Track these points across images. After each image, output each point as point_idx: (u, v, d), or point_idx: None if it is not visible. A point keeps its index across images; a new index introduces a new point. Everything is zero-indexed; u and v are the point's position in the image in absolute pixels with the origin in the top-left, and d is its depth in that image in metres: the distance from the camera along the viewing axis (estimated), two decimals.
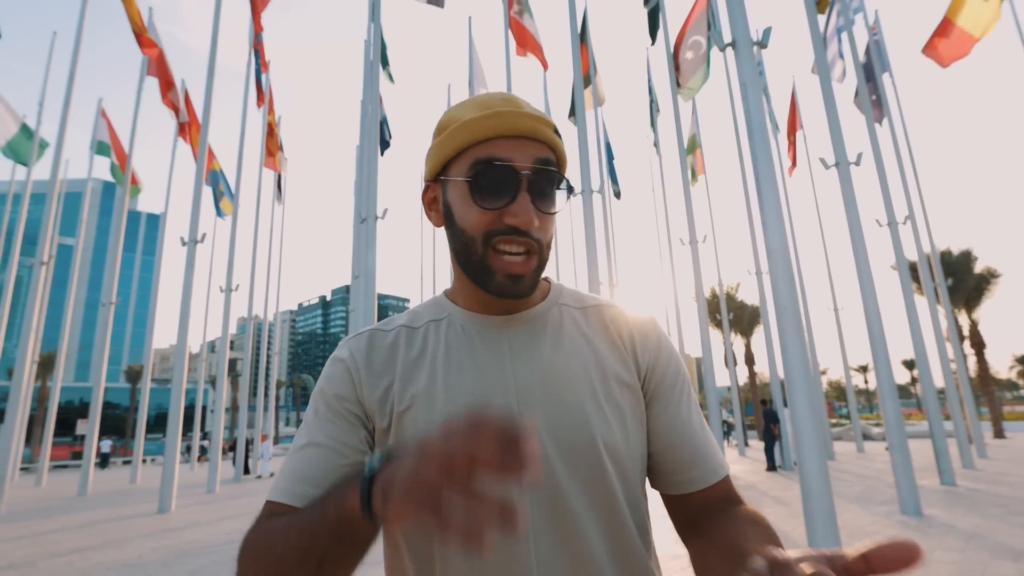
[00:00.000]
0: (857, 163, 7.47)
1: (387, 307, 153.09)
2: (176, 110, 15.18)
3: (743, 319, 34.70)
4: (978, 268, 26.47)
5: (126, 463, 37.54)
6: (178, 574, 5.49)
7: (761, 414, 14.48)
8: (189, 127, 15.76)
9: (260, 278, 19.24)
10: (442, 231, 0.78)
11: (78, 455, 39.39)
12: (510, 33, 13.33)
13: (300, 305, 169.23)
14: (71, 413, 44.17)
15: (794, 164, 18.48)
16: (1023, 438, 23.06)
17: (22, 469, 29.08)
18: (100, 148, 17.68)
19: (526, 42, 13.73)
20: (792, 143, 18.89)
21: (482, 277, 0.71)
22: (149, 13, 15.15)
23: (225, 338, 14.32)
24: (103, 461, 31.49)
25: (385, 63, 12.44)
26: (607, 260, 17.05)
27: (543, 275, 0.82)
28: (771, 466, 13.30)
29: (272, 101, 17.35)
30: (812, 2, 7.29)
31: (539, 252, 0.71)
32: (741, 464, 15.48)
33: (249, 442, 19.68)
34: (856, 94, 14.73)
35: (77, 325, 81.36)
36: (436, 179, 0.76)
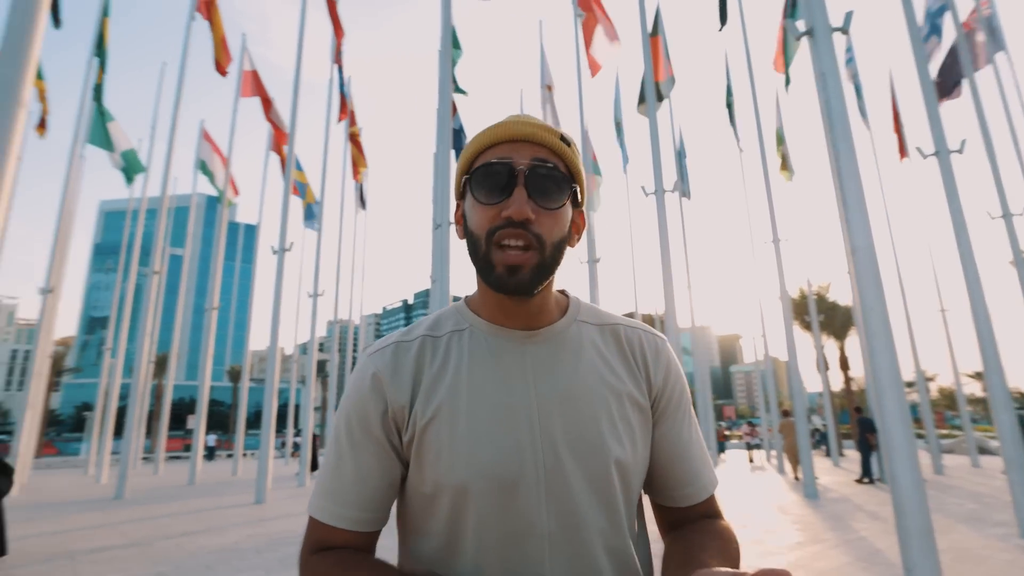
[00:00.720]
0: (960, 151, 6.82)
1: None
2: (276, 126, 16.31)
3: (835, 321, 32.41)
4: None
5: (229, 456, 40.60)
6: (269, 560, 5.90)
7: (856, 423, 13.49)
8: (279, 142, 16.88)
9: (345, 283, 20.25)
10: None
11: (189, 447, 43.24)
12: (580, 35, 13.27)
13: (384, 309, 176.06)
14: (182, 409, 48.51)
15: (902, 155, 17.10)
16: None
17: (143, 459, 32.21)
18: (203, 167, 19.31)
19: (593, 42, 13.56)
20: (898, 131, 17.50)
21: (486, 273, 0.73)
22: (242, 38, 16.40)
23: (312, 341, 15.19)
24: (209, 454, 34.29)
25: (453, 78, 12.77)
26: (684, 262, 16.55)
27: (561, 289, 0.87)
28: (867, 478, 12.36)
29: (354, 114, 18.23)
30: None
31: (540, 248, 0.72)
32: (834, 475, 14.48)
33: (316, 438, 20.05)
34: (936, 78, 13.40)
35: (187, 328, 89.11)
36: (461, 196, 0.80)
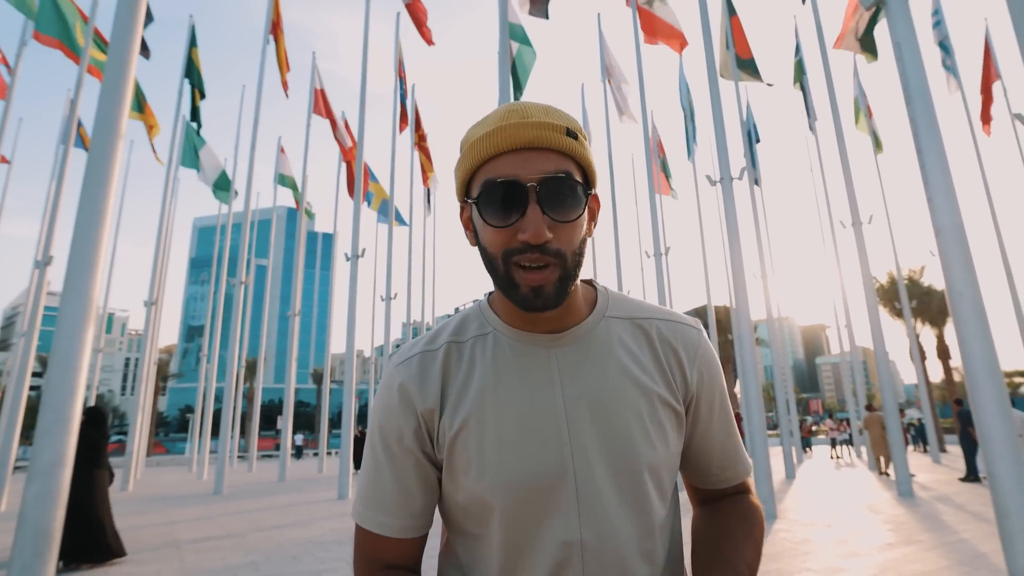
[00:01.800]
0: None
1: None
2: (340, 144, 17.12)
3: (931, 307, 29.81)
4: None
5: (315, 454, 42.81)
6: (350, 552, 6.21)
7: (956, 415, 12.45)
8: (350, 153, 17.66)
9: (416, 286, 20.83)
10: None
11: (279, 447, 46.03)
12: (639, 24, 13.03)
13: (456, 309, 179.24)
14: (272, 410, 51.66)
15: (987, 125, 15.64)
16: None
17: (239, 457, 34.63)
18: (282, 180, 20.51)
19: (655, 30, 13.30)
20: (988, 97, 16.00)
21: (508, 292, 0.70)
22: (312, 56, 17.27)
23: (386, 343, 15.78)
24: (297, 452, 36.30)
25: (516, 84, 12.85)
26: (757, 250, 15.88)
27: (588, 279, 0.83)
28: (971, 475, 11.37)
29: (420, 120, 18.77)
30: None
31: (561, 264, 0.68)
32: (934, 473, 13.42)
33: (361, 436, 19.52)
34: None
35: (273, 334, 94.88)
36: (465, 202, 0.75)
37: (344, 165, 18.96)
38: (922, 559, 5.30)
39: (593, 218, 0.77)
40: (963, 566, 5.03)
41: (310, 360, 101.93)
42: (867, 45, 12.34)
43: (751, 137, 15.39)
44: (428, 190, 21.35)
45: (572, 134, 0.70)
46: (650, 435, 0.73)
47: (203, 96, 14.72)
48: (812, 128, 16.35)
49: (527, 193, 0.66)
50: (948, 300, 4.22)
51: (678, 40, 13.22)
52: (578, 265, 0.71)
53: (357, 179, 12.09)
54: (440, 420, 0.75)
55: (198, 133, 15.71)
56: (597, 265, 19.68)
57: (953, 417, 17.23)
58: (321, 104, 16.07)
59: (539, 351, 0.75)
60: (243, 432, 43.03)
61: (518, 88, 11.30)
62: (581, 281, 0.81)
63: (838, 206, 40.60)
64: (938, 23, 15.21)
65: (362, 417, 41.26)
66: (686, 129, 17.34)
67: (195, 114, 14.87)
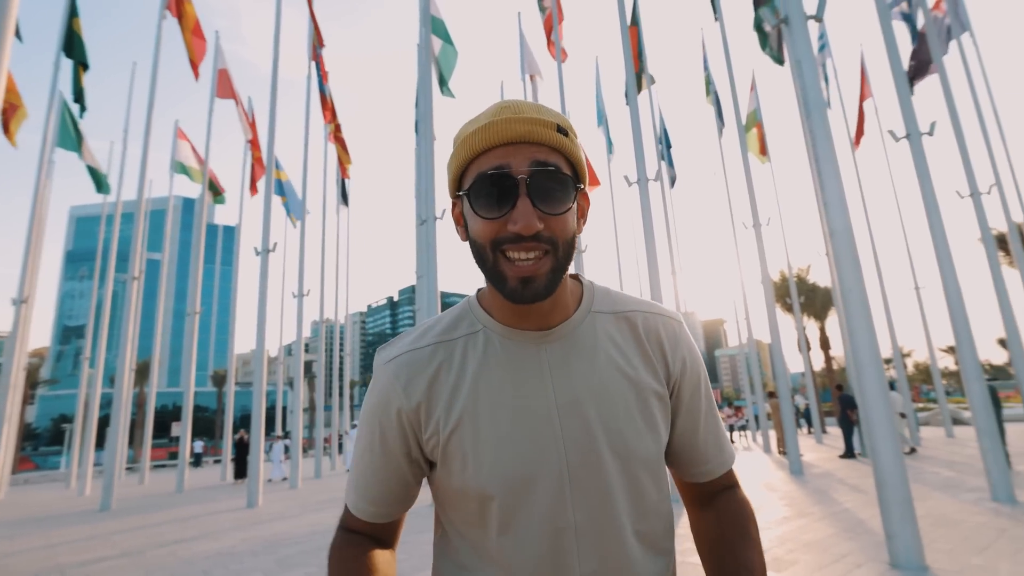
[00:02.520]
0: (930, 133, 7.03)
1: (450, 304, 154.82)
2: (251, 125, 16.11)
3: (816, 302, 33.03)
4: None
5: (216, 462, 40.17)
6: (267, 562, 5.92)
7: (838, 400, 13.85)
8: (257, 142, 16.68)
9: (330, 282, 20.09)
10: None
11: (175, 455, 42.65)
12: (557, 27, 13.30)
13: (369, 306, 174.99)
14: (166, 416, 47.79)
15: (859, 139, 17.45)
16: None
17: (127, 469, 31.75)
18: (180, 168, 19.00)
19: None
20: (861, 114, 17.85)
21: (497, 283, 0.71)
22: (215, 36, 16.14)
23: (299, 341, 15.10)
24: (196, 460, 33.87)
25: (443, 81, 12.74)
26: (668, 248, 16.76)
27: (575, 274, 0.85)
28: (848, 453, 12.71)
29: (335, 111, 18.06)
30: None
31: (553, 252, 0.70)
32: (817, 452, 14.85)
33: (244, 440, 18.38)
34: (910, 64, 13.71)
35: (167, 334, 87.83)
36: (457, 195, 0.76)
37: (251, 154, 17.88)
38: (813, 529, 5.88)
39: (583, 215, 0.79)
40: (847, 532, 5.64)
41: (209, 362, 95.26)
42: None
43: (665, 142, 16.22)
44: (343, 183, 20.64)
45: (562, 131, 0.72)
46: (639, 426, 0.76)
47: (86, 68, 13.30)
48: (721, 135, 17.52)
49: (518, 185, 0.68)
50: (838, 295, 4.69)
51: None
52: (568, 258, 0.72)
53: (268, 168, 11.46)
54: (429, 418, 0.76)
55: (81, 115, 14.18)
56: None
57: (833, 401, 19.11)
58: (227, 86, 15.04)
59: (529, 348, 0.77)
60: (131, 442, 39.56)
61: (443, 84, 11.22)
62: (568, 276, 0.82)
63: (740, 209, 43.63)
64: (823, 47, 16.77)
65: (269, 420, 39.13)
66: (604, 132, 17.97)
67: (79, 95, 13.41)
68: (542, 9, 12.45)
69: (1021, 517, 5.81)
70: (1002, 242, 16.88)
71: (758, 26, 11.78)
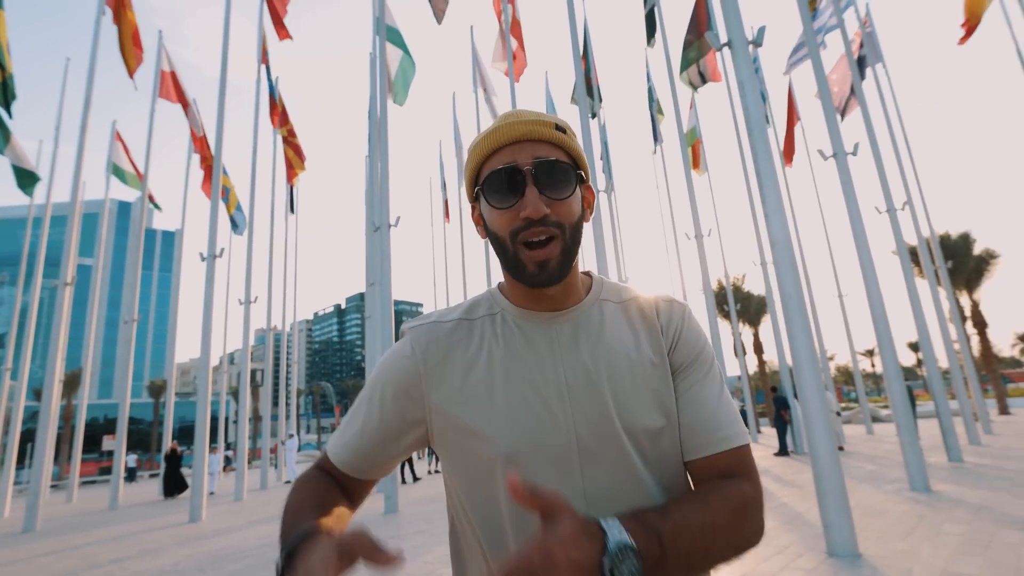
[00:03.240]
0: (854, 153, 7.50)
1: (401, 312, 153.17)
2: (193, 129, 15.37)
3: (750, 309, 34.57)
4: (977, 250, 26.32)
5: (152, 476, 37.88)
6: None
7: (772, 401, 14.49)
8: (203, 144, 15.96)
9: (277, 289, 19.42)
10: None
11: (105, 471, 39.84)
12: (511, 40, 13.42)
13: (316, 314, 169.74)
14: (96, 430, 44.63)
15: (790, 156, 18.45)
16: None
17: (52, 486, 29.45)
18: (116, 171, 17.93)
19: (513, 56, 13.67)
20: (790, 136, 18.87)
21: (517, 272, 0.77)
22: (159, 35, 15.39)
23: (246, 350, 14.48)
24: (130, 475, 31.80)
25: (396, 89, 12.64)
26: (615, 257, 17.13)
27: (587, 271, 0.91)
28: (783, 451, 13.30)
29: (286, 115, 17.52)
30: (805, 4, 7.35)
31: (562, 236, 0.76)
32: (754, 451, 15.42)
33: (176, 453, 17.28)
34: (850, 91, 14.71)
35: (99, 343, 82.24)
36: (475, 199, 0.83)
37: (196, 158, 17.07)
38: None
39: (589, 206, 0.85)
40: (787, 524, 5.89)
41: (145, 372, 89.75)
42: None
43: (606, 155, 16.62)
44: (292, 189, 20.02)
45: (561, 129, 0.80)
46: (645, 400, 0.79)
47: (2, 68, 12.33)
48: (656, 151, 18.14)
49: (524, 176, 0.76)
50: (778, 300, 4.93)
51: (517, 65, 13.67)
52: (577, 242, 0.79)
53: (216, 172, 10.98)
54: (440, 385, 0.81)
55: (7, 110, 13.15)
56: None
57: (767, 403, 19.96)
58: (171, 88, 14.32)
59: (541, 327, 0.82)
60: (56, 457, 36.76)
61: (404, 91, 11.11)
62: (580, 272, 0.89)
63: (682, 220, 45.10)
64: (756, 70, 17.65)
65: (211, 431, 37.34)
66: None
67: (2, 89, 12.41)
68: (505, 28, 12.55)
69: (936, 504, 6.24)
70: (914, 255, 18.18)
71: (686, 56, 12.36)
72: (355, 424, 0.85)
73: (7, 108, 12.80)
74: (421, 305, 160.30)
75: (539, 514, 0.60)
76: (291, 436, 19.55)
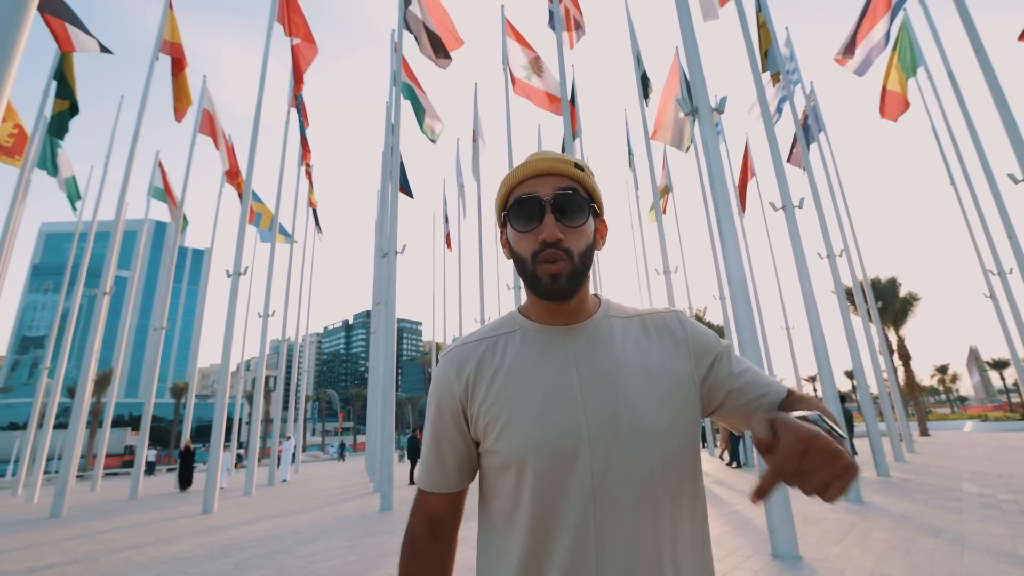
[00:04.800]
0: (800, 206, 7.70)
1: (403, 330, 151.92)
2: (233, 165, 15.40)
3: None
4: (902, 293, 26.90)
5: (170, 471, 36.74)
6: (224, 565, 5.43)
7: None
8: (234, 175, 15.97)
9: (292, 305, 19.25)
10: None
11: (127, 463, 38.53)
12: (510, 94, 13.61)
13: (325, 328, 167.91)
14: (121, 426, 43.35)
15: (744, 206, 18.86)
16: (945, 436, 23.04)
17: (78, 476, 28.41)
18: (156, 193, 17.86)
19: (538, 100, 13.59)
20: (743, 189, 19.29)
21: (534, 286, 0.80)
22: (203, 80, 15.52)
23: (262, 358, 14.26)
24: (149, 469, 30.76)
25: (421, 122, 12.89)
26: (593, 287, 17.22)
27: (595, 293, 0.91)
28: (735, 463, 13.24)
29: (308, 151, 17.62)
30: (760, 77, 7.62)
31: (571, 259, 0.78)
32: (710, 463, 15.38)
33: (189, 450, 16.74)
34: (792, 149, 15.19)
35: (128, 347, 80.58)
36: (503, 224, 0.85)
37: (227, 186, 17.07)
38: (710, 527, 6.06)
39: (602, 237, 0.88)
40: (738, 529, 5.85)
41: (168, 375, 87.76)
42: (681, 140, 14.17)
43: None
44: (315, 212, 20.01)
45: (580, 167, 0.83)
46: (653, 402, 0.78)
47: (75, 111, 12.35)
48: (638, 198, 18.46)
49: (544, 205, 0.79)
50: (733, 330, 4.99)
51: (555, 104, 13.77)
52: (587, 266, 0.81)
53: (245, 197, 10.99)
54: (475, 395, 0.83)
55: (59, 141, 13.10)
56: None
57: None
58: (207, 124, 14.39)
59: (557, 340, 0.83)
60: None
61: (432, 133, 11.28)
62: (591, 294, 0.90)
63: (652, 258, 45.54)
64: (719, 132, 18.15)
65: (226, 431, 36.42)
66: None
67: (58, 124, 12.36)
68: (532, 68, 12.67)
69: (867, 514, 6.24)
70: (849, 295, 18.50)
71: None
72: (430, 450, 0.86)
73: (62, 135, 12.77)
74: (421, 324, 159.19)
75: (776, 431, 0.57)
76: (288, 438, 18.98)
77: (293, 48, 12.90)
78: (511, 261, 0.84)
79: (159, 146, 19.67)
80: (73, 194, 15.83)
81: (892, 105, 13.34)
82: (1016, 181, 8.23)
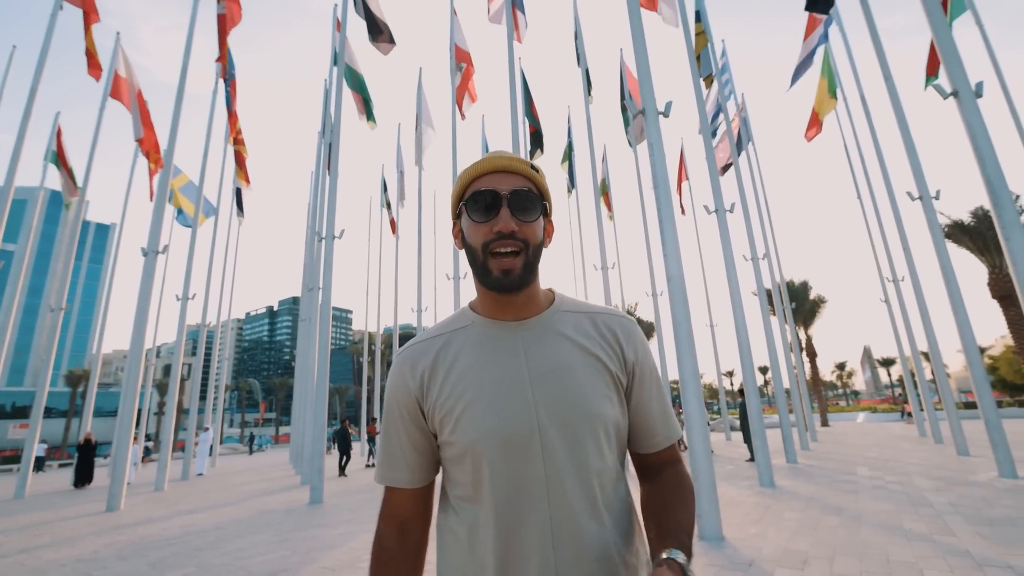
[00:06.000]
0: (731, 211, 8.22)
1: (332, 318, 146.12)
2: (150, 133, 14.02)
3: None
4: (812, 295, 29.60)
5: (63, 466, 33.34)
6: (138, 566, 5.03)
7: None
8: (151, 145, 14.60)
9: (214, 288, 18.02)
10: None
11: (7, 459, 34.52)
12: (455, 84, 13.47)
13: (247, 314, 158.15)
14: (2, 417, 38.71)
15: (683, 211, 19.80)
16: (842, 426, 25.77)
17: None
18: (54, 159, 15.97)
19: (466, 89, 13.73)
20: (680, 192, 20.26)
21: (484, 277, 0.83)
22: (116, 37, 14.05)
23: (180, 344, 13.25)
24: (38, 464, 27.72)
25: (370, 114, 12.46)
26: None
27: (549, 288, 0.95)
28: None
29: (236, 121, 16.43)
30: (700, 86, 8.04)
31: (526, 251, 0.82)
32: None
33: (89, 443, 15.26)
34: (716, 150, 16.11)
35: (15, 330, 71.78)
36: (457, 216, 0.89)
37: (141, 155, 15.55)
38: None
39: (548, 235, 0.91)
40: None
41: (63, 361, 79.17)
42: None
43: None
44: (239, 192, 18.75)
45: (535, 168, 0.88)
46: (601, 392, 0.84)
47: None
48: (571, 193, 18.85)
49: (501, 199, 0.82)
50: (669, 327, 5.26)
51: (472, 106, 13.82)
52: (537, 259, 0.85)
53: (165, 171, 10.11)
54: (430, 391, 0.86)
55: None
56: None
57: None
58: (123, 91, 13.04)
59: (508, 334, 0.87)
60: None
61: (369, 117, 10.86)
62: (545, 288, 0.94)
63: (589, 254, 46.75)
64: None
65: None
66: None
67: None
68: (458, 68, 12.55)
69: (779, 497, 6.84)
70: (769, 296, 20.01)
71: (625, 117, 13.21)
72: (389, 442, 0.89)
73: None
74: (351, 312, 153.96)
75: None
76: (206, 430, 17.86)
77: (219, 15, 11.96)
78: (463, 252, 0.88)
79: (63, 107, 17.60)
80: None
81: (813, 126, 14.57)
82: (913, 198, 9.25)
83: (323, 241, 9.91)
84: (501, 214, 0.81)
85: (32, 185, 28.76)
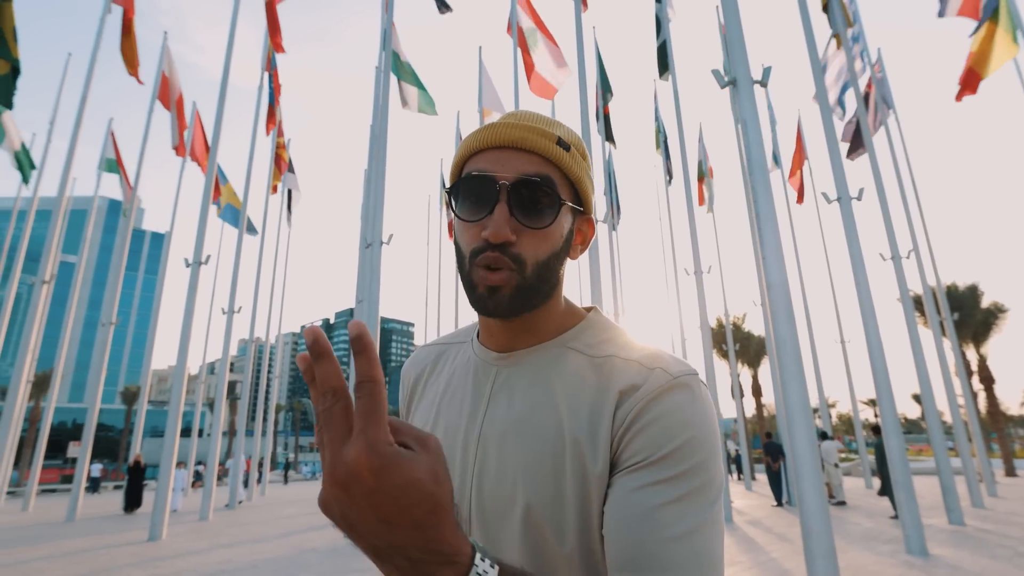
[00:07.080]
0: (859, 198, 7.59)
1: (391, 331, 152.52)
2: (182, 136, 15.49)
3: (750, 350, 34.55)
4: (986, 303, 26.52)
5: (117, 488, 37.15)
6: None
7: (764, 448, 14.37)
8: (198, 148, 16.08)
9: (263, 300, 19.36)
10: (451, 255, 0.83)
11: (68, 479, 39.10)
12: (520, 61, 13.56)
13: (303, 327, 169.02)
14: (63, 435, 44.03)
15: (801, 196, 18.65)
16: None
17: (8, 493, 28.78)
18: (108, 166, 18.03)
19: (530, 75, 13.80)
20: (799, 175, 19.10)
21: (468, 292, 0.69)
22: (164, 36, 15.64)
23: (225, 359, 14.37)
24: (93, 485, 31.12)
25: (428, 101, 13.02)
26: (612, 290, 17.15)
27: (589, 306, 0.79)
28: (778, 501, 13.13)
29: (281, 124, 17.71)
30: (814, 44, 7.53)
31: (519, 270, 0.66)
32: (747, 499, 15.29)
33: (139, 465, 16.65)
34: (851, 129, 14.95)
35: (74, 345, 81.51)
36: (450, 205, 0.72)
37: (190, 159, 17.19)
38: None
39: (583, 242, 0.76)
40: None
41: (120, 377, 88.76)
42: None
43: (611, 185, 16.77)
44: (289, 196, 20.13)
45: (564, 144, 0.69)
46: (547, 474, 0.65)
47: (17, 72, 12.42)
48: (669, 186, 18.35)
49: (498, 191, 0.66)
50: (773, 346, 4.92)
51: (551, 89, 13.83)
52: (542, 280, 0.68)
53: (208, 177, 11.05)
54: (410, 407, 0.87)
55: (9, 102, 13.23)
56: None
57: (761, 448, 19.80)
58: (168, 94, 14.49)
59: (488, 368, 0.76)
60: (16, 462, 36.06)
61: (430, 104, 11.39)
62: (584, 308, 0.78)
63: (682, 256, 45.38)
64: (768, 107, 17.97)
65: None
66: None
67: (2, 90, 12.43)
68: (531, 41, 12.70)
69: (933, 571, 6.14)
70: (918, 303, 18.27)
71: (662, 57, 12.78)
72: None
73: (9, 100, 12.86)
74: (412, 325, 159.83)
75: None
76: (180, 465, 17.68)
77: (267, 6, 12.93)
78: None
79: (114, 113, 19.86)
80: (26, 164, 15.99)
81: (969, 84, 13.02)
82: None
83: (370, 247, 10.33)
84: (495, 214, 0.65)
85: (87, 195, 32.63)
